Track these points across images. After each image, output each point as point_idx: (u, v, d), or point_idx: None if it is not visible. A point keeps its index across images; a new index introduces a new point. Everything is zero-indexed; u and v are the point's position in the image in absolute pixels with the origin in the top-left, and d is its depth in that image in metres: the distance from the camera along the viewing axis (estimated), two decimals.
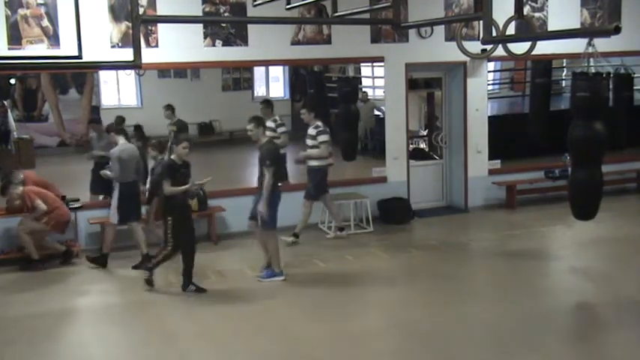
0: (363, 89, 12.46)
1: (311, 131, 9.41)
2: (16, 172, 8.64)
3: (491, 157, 11.34)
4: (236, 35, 9.68)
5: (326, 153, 9.41)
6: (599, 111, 6.83)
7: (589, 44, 6.82)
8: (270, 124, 9.93)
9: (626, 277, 7.81)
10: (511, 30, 9.35)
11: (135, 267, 8.46)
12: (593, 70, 7.00)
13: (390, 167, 10.80)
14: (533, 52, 10.04)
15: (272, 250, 7.93)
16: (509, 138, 11.92)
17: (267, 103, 10.22)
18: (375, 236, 9.87)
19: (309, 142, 9.44)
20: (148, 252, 8.37)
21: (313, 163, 9.44)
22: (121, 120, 10.03)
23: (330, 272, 8.24)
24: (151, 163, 8.99)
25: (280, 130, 9.89)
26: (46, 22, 8.74)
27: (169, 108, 10.63)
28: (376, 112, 12.31)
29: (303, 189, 9.59)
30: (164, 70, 11.48)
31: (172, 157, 7.60)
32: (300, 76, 13.78)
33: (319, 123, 9.42)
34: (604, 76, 6.93)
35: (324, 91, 11.59)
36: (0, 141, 10.95)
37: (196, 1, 9.38)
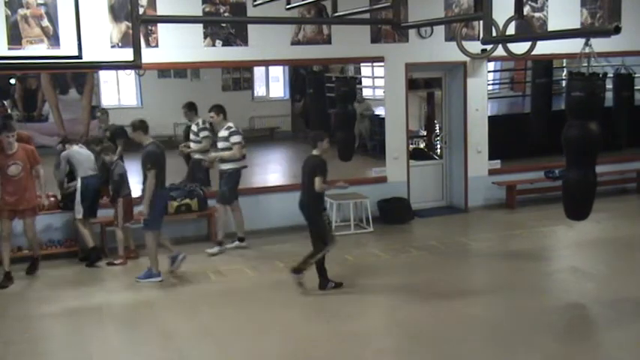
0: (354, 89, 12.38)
1: (223, 133, 9.07)
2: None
3: (491, 157, 11.34)
4: (236, 35, 9.67)
5: (239, 154, 9.07)
6: (593, 111, 6.83)
7: (586, 44, 6.82)
8: (193, 127, 9.90)
9: (626, 277, 7.81)
10: (511, 30, 9.34)
11: (82, 259, 8.76)
12: (589, 70, 7.00)
13: (390, 167, 10.80)
14: (533, 52, 10.04)
15: (150, 250, 8.02)
16: (509, 138, 11.92)
17: (190, 105, 10.06)
18: (375, 236, 9.87)
19: (221, 144, 9.11)
20: (96, 245, 8.67)
21: (227, 166, 9.07)
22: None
23: (330, 272, 8.22)
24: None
25: (202, 134, 9.74)
26: (46, 22, 8.74)
27: (192, 108, 10.12)
28: (376, 112, 12.33)
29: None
30: (164, 70, 11.52)
31: (315, 153, 7.41)
32: (300, 76, 13.80)
33: (230, 124, 9.11)
34: (600, 76, 6.92)
35: (324, 91, 11.58)
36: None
37: (196, 1, 9.38)
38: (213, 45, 9.62)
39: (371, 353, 6.05)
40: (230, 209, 9.21)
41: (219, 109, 9.14)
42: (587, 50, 6.79)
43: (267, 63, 10.95)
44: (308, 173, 7.36)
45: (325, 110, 11.53)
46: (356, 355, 6.00)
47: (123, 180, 8.78)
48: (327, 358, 5.97)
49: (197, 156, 9.91)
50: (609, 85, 7.86)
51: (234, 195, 9.21)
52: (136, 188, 8.81)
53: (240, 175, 9.26)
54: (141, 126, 8.09)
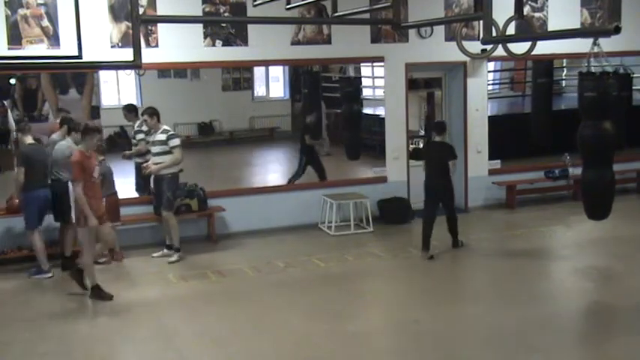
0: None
1: (159, 136, 8.76)
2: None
3: (491, 157, 11.34)
4: (236, 35, 9.68)
5: (181, 158, 8.82)
6: (607, 110, 6.82)
7: (594, 44, 6.80)
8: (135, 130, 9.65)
9: (626, 277, 7.81)
10: (511, 30, 9.35)
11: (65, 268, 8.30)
12: (597, 69, 6.99)
13: (390, 167, 10.80)
14: (533, 52, 10.04)
15: (34, 248, 8.16)
16: (509, 138, 11.92)
17: (130, 107, 9.92)
18: (375, 236, 9.87)
19: (158, 148, 8.78)
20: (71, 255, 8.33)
21: (167, 170, 8.76)
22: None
23: (330, 272, 8.24)
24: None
25: (138, 136, 9.48)
26: (46, 22, 8.75)
27: (132, 110, 9.90)
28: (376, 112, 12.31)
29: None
30: (164, 70, 11.47)
31: (439, 139, 8.87)
32: (300, 76, 13.78)
33: (167, 127, 8.84)
34: (610, 75, 6.92)
35: (319, 91, 11.58)
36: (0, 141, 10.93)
37: (196, 1, 9.38)
38: (213, 45, 9.62)
39: (371, 353, 6.05)
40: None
41: (152, 111, 8.86)
42: (595, 50, 6.78)
43: (267, 63, 10.95)
44: (441, 157, 8.63)
45: (320, 110, 11.55)
46: (356, 355, 6.00)
47: (106, 179, 8.64)
48: (327, 358, 5.97)
49: (138, 159, 9.51)
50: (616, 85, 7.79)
51: (176, 199, 9.01)
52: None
53: (179, 179, 8.98)
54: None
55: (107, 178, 8.66)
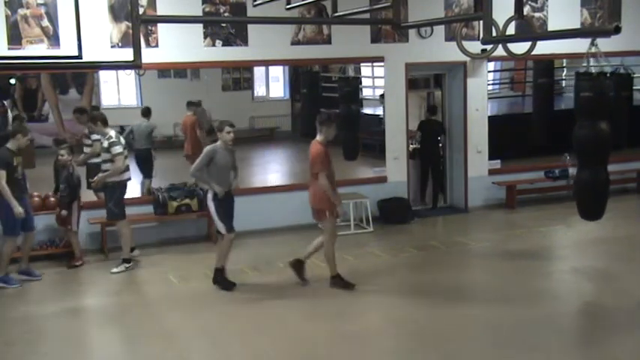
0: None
1: (105, 143, 8.38)
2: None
3: (491, 157, 11.34)
4: (236, 35, 9.67)
5: (123, 166, 8.36)
6: (603, 111, 6.82)
7: (592, 44, 6.80)
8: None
9: (626, 277, 7.81)
10: (511, 30, 9.34)
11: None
12: (597, 69, 6.99)
13: (390, 167, 10.80)
14: (534, 52, 10.03)
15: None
16: (509, 138, 11.93)
17: (80, 111, 9.81)
18: (375, 236, 9.87)
19: (103, 155, 8.44)
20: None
21: (110, 179, 8.37)
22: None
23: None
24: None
25: (93, 137, 9.13)
26: (46, 22, 8.74)
27: (83, 112, 9.65)
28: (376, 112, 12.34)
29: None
30: (164, 70, 11.49)
31: None
32: (300, 76, 13.78)
33: (112, 133, 8.40)
34: (607, 75, 6.92)
35: (319, 91, 11.58)
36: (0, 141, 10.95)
37: (196, 1, 9.38)
38: (213, 45, 9.62)
39: (371, 353, 6.04)
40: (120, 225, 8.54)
41: (96, 115, 8.64)
42: (593, 50, 6.78)
43: (267, 63, 10.95)
44: (433, 130, 11.17)
45: (319, 110, 11.55)
46: (356, 355, 5.99)
47: (80, 183, 8.62)
48: (327, 358, 5.97)
49: (93, 160, 9.13)
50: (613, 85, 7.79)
51: (122, 209, 8.48)
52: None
53: (125, 188, 8.55)
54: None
55: (80, 182, 8.66)
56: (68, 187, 8.51)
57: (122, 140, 8.51)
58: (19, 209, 7.68)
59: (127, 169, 8.57)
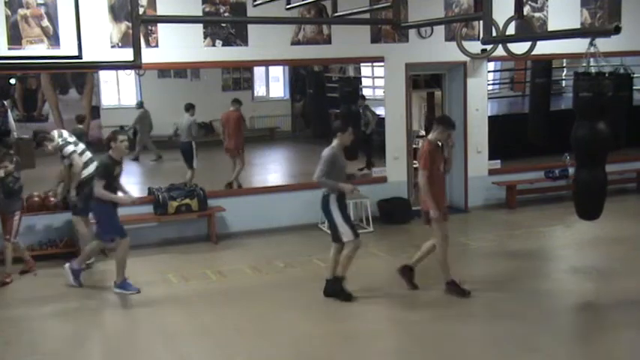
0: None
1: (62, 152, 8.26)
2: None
3: (491, 157, 11.34)
4: (236, 35, 9.67)
5: (81, 164, 8.21)
6: (602, 111, 6.82)
7: (591, 44, 6.81)
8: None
9: (626, 277, 7.80)
10: (511, 30, 9.34)
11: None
12: (595, 69, 7.00)
13: (390, 167, 10.80)
14: (533, 52, 10.04)
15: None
16: (509, 138, 11.92)
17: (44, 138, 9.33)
18: (375, 236, 9.86)
19: (66, 161, 8.33)
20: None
21: (77, 179, 8.23)
22: None
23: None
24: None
25: (65, 152, 8.41)
26: (46, 22, 8.74)
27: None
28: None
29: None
30: (164, 70, 11.50)
31: None
32: (301, 76, 13.79)
33: (66, 134, 8.35)
34: (606, 75, 6.92)
35: (324, 91, 11.59)
36: (0, 141, 10.95)
37: (196, 1, 9.38)
38: (213, 45, 9.62)
39: (371, 353, 6.05)
40: (83, 223, 8.40)
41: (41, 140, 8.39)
42: (592, 50, 6.79)
43: (267, 63, 10.95)
44: None
45: (325, 110, 11.56)
46: (356, 355, 6.00)
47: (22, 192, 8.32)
48: (327, 358, 5.97)
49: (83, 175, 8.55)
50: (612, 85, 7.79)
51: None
52: None
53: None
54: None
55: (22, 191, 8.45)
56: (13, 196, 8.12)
57: (69, 138, 8.31)
58: (130, 197, 7.76)
59: (87, 165, 8.26)
